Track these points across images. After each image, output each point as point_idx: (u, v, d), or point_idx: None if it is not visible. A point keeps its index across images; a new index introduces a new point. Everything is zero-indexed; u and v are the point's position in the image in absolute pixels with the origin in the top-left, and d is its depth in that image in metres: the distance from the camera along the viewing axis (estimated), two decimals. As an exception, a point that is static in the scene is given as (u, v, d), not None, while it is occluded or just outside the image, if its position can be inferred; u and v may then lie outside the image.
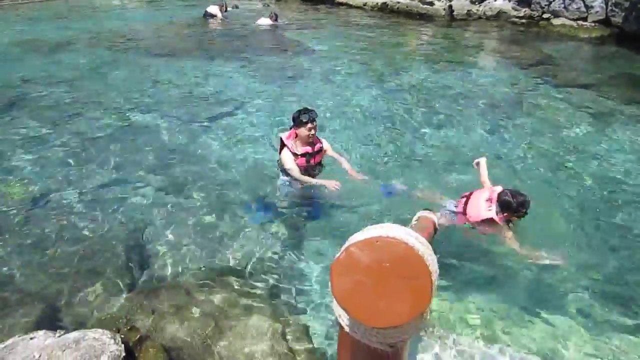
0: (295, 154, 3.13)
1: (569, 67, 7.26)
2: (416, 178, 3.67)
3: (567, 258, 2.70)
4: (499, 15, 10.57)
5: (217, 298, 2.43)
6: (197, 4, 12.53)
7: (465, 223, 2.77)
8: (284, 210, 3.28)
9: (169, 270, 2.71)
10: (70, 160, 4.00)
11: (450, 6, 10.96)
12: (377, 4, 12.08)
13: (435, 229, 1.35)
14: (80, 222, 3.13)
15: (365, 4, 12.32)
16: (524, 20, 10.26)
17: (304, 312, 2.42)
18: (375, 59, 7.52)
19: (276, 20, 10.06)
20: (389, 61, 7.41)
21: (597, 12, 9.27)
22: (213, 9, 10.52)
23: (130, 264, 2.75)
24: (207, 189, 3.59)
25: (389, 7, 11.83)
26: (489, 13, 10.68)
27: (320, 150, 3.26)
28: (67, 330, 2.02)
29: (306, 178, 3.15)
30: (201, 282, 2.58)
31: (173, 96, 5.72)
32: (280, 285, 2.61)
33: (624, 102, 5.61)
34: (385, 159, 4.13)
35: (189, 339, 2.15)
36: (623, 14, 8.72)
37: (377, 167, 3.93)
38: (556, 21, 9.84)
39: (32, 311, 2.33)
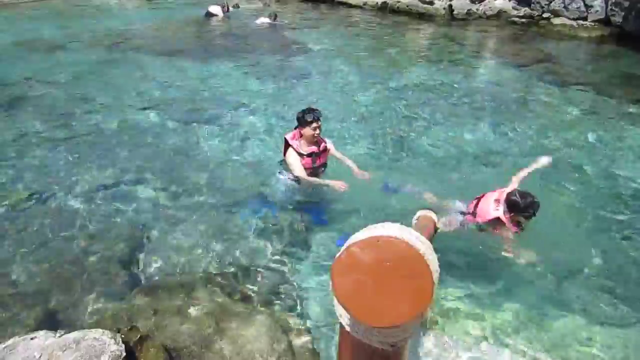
0: (301, 155, 3.12)
1: (569, 66, 7.25)
2: (416, 177, 3.66)
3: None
4: (499, 14, 10.56)
5: (217, 297, 2.43)
6: (196, 3, 12.52)
7: (473, 224, 2.76)
8: (285, 210, 3.28)
9: (169, 270, 2.71)
10: (70, 160, 4.00)
11: (450, 6, 10.95)
12: (377, 3, 12.06)
13: (436, 228, 1.35)
14: (80, 222, 3.12)
15: (365, 4, 12.30)
16: (524, 20, 10.25)
17: (305, 311, 2.42)
18: (375, 59, 7.51)
19: (275, 19, 10.05)
20: (389, 61, 7.40)
21: (597, 11, 9.27)
22: (215, 9, 10.54)
23: (130, 263, 2.75)
24: (207, 189, 3.59)
25: (389, 6, 11.82)
26: (489, 12, 10.67)
27: (325, 149, 3.25)
28: (68, 330, 2.01)
29: (313, 179, 3.13)
30: (202, 281, 2.57)
31: (172, 95, 5.71)
32: (281, 285, 2.61)
33: (623, 101, 5.60)
34: (386, 158, 4.13)
35: (189, 339, 2.15)
36: (623, 13, 8.71)
37: (377, 166, 3.92)
38: (556, 20, 9.84)
39: (32, 311, 2.33)
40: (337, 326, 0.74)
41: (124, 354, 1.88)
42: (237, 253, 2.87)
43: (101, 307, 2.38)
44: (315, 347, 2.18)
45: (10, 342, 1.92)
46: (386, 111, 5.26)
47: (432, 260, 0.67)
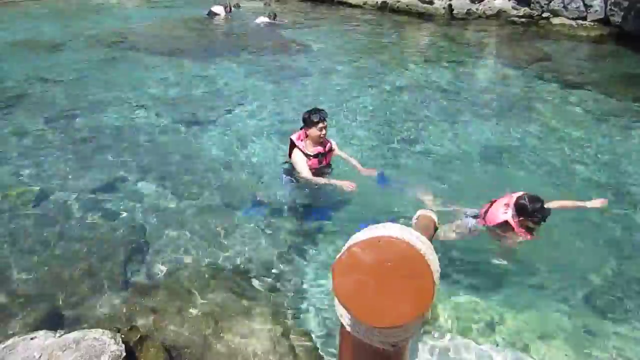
0: (308, 156, 3.11)
1: (569, 66, 7.26)
2: (416, 177, 3.67)
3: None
4: (499, 14, 10.57)
5: (217, 297, 2.43)
6: (195, 2, 12.50)
7: (483, 226, 2.74)
8: (287, 210, 3.28)
9: (169, 270, 2.71)
10: (69, 161, 3.99)
11: (450, 5, 10.95)
12: (376, 3, 12.06)
13: (435, 228, 1.35)
14: (80, 222, 3.12)
15: (365, 3, 12.30)
16: (523, 20, 10.26)
17: (306, 311, 2.42)
18: (375, 58, 7.51)
19: (275, 19, 10.05)
20: (389, 60, 7.40)
21: (596, 11, 9.27)
22: (218, 9, 10.57)
23: (130, 263, 2.75)
24: (207, 189, 3.59)
25: (388, 6, 11.82)
26: (489, 12, 10.67)
27: (331, 149, 3.26)
28: (68, 330, 2.02)
29: (320, 179, 3.13)
30: (202, 281, 2.58)
31: (173, 95, 5.71)
32: (282, 285, 2.61)
33: (622, 100, 5.61)
34: (386, 158, 4.13)
35: (189, 339, 2.15)
36: (622, 13, 8.72)
37: (377, 166, 3.92)
38: (555, 20, 9.85)
39: (32, 311, 2.33)
40: (338, 326, 0.74)
41: (124, 353, 1.88)
42: (238, 253, 2.87)
43: (101, 307, 2.38)
44: (316, 347, 2.18)
45: (10, 342, 1.92)
46: (386, 111, 5.26)
47: (433, 260, 0.67)
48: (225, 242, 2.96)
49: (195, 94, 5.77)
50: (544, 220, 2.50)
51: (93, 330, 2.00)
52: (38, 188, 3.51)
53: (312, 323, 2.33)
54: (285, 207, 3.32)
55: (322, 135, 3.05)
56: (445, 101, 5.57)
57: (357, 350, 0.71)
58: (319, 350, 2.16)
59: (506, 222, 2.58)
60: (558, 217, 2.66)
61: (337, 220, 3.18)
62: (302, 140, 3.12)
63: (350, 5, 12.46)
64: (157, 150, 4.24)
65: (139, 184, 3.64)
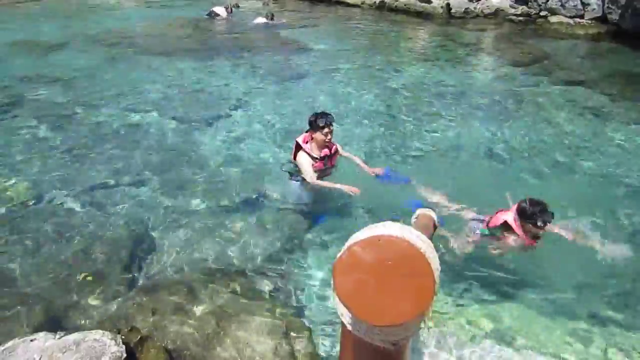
0: (314, 158, 3.12)
1: (566, 64, 7.28)
2: (415, 177, 3.67)
3: None
4: (497, 13, 10.58)
5: (218, 298, 2.43)
6: (194, 3, 12.48)
7: (486, 229, 2.74)
8: (288, 211, 3.28)
9: (169, 270, 2.71)
10: (69, 161, 3.99)
11: (448, 4, 10.96)
12: (374, 2, 12.06)
13: (435, 226, 1.36)
14: (79, 222, 3.12)
15: (363, 3, 12.30)
16: (521, 18, 10.28)
17: (307, 310, 2.43)
18: (373, 58, 7.51)
19: (272, 19, 10.04)
20: (387, 60, 7.41)
21: (593, 9, 9.30)
22: (219, 9, 10.57)
23: (130, 264, 2.75)
24: (207, 189, 3.59)
25: (386, 5, 11.82)
26: (487, 11, 10.69)
27: (336, 151, 3.27)
28: (68, 332, 2.01)
29: (324, 183, 3.13)
30: (202, 281, 2.57)
31: (171, 96, 5.70)
32: (283, 284, 2.61)
33: (620, 98, 5.63)
34: (384, 157, 4.13)
35: (190, 339, 2.15)
36: (619, 11, 8.74)
37: (375, 165, 3.92)
38: (553, 19, 9.87)
39: (32, 313, 2.32)
40: (339, 326, 0.74)
41: (125, 355, 1.88)
42: (238, 253, 2.87)
43: (101, 308, 2.38)
44: (317, 346, 2.18)
45: (9, 344, 1.91)
46: (385, 110, 5.27)
47: (433, 258, 0.68)
48: (226, 242, 2.96)
49: (194, 95, 5.76)
50: (544, 225, 2.46)
51: (93, 331, 2.00)
52: (37, 189, 3.51)
53: (315, 323, 2.33)
54: (287, 207, 3.31)
55: (327, 140, 3.06)
56: (443, 100, 5.58)
57: (358, 349, 0.71)
58: (321, 351, 2.16)
59: (506, 223, 2.58)
60: (556, 214, 2.65)
61: (340, 220, 3.18)
62: (307, 143, 3.12)
63: (348, 5, 12.46)
64: (157, 151, 4.23)
65: (139, 185, 3.63)
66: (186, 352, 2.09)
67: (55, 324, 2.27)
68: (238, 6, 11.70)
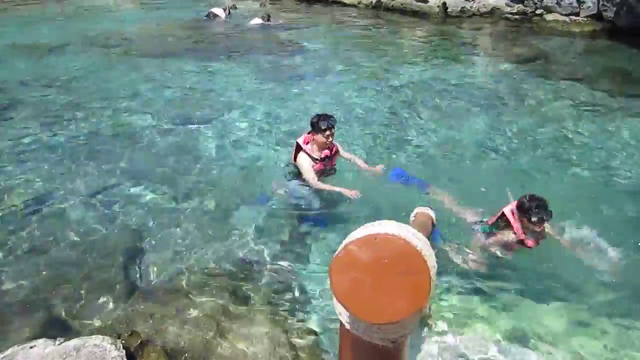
0: (314, 159, 3.12)
1: (562, 61, 7.31)
2: (412, 174, 3.68)
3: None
4: (493, 11, 10.62)
5: (217, 300, 2.42)
6: (190, 5, 12.49)
7: (487, 226, 2.74)
8: (287, 212, 3.27)
9: (168, 274, 2.70)
10: (66, 165, 3.98)
11: (444, 3, 10.99)
12: (371, 2, 12.09)
13: (433, 225, 1.36)
14: (77, 227, 3.11)
15: (359, 2, 12.33)
16: (517, 16, 10.32)
17: (307, 312, 2.42)
18: (370, 57, 7.53)
19: (269, 20, 10.06)
20: (384, 59, 7.42)
21: (589, 7, 9.34)
22: (218, 11, 10.61)
23: (129, 268, 2.74)
24: (205, 191, 3.58)
25: (383, 5, 11.85)
26: (483, 10, 10.72)
27: (337, 152, 3.27)
28: (67, 338, 2.01)
29: (324, 185, 3.13)
30: (201, 284, 2.57)
31: (168, 97, 5.70)
32: (282, 286, 2.61)
33: (615, 94, 5.65)
34: (382, 157, 4.13)
35: (190, 342, 2.14)
36: (614, 8, 8.79)
37: (375, 163, 3.92)
38: (549, 17, 9.91)
39: (31, 319, 2.31)
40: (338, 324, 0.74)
41: (125, 359, 1.88)
42: (237, 255, 2.87)
43: (101, 313, 2.37)
44: (317, 348, 2.18)
45: (9, 351, 1.90)
46: (383, 109, 5.27)
47: (430, 256, 0.68)
48: (224, 245, 2.96)
49: (192, 96, 5.76)
50: (540, 221, 2.45)
51: (93, 336, 1.99)
52: (34, 193, 3.50)
53: (314, 324, 2.33)
54: (287, 209, 3.31)
55: (328, 142, 3.07)
56: (441, 99, 5.59)
57: (356, 347, 0.71)
58: (321, 352, 2.16)
59: (504, 216, 2.58)
60: (553, 205, 2.64)
61: (340, 222, 3.17)
62: (308, 144, 3.12)
63: (345, 5, 12.49)
64: (155, 153, 4.22)
65: (137, 188, 3.63)
66: (187, 355, 2.08)
67: (54, 330, 2.25)
68: (235, 7, 11.72)
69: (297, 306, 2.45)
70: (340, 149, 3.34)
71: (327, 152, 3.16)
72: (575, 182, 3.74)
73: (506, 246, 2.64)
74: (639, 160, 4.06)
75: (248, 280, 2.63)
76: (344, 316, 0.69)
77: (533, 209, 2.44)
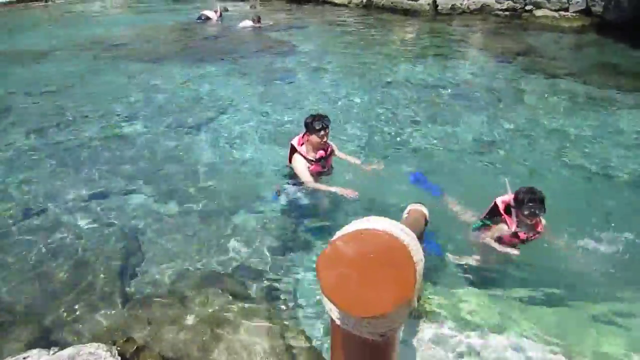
0: (310, 161, 3.11)
1: (552, 56, 7.39)
2: (409, 173, 3.69)
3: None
4: (483, 8, 10.72)
5: (213, 304, 2.41)
6: (179, 8, 12.45)
7: (480, 220, 2.74)
8: (283, 214, 3.26)
9: (163, 279, 2.68)
10: (58, 172, 3.94)
11: (435, 1, 11.07)
12: (361, 1, 12.14)
13: (427, 221, 1.37)
14: (70, 235, 3.08)
15: (349, 2, 12.37)
16: (507, 13, 10.42)
17: (303, 312, 2.41)
18: (361, 56, 7.55)
19: (259, 22, 10.05)
20: (376, 58, 7.45)
21: (577, 2, 9.46)
22: (210, 13, 10.60)
23: (123, 274, 2.72)
24: (199, 195, 3.56)
25: (373, 4, 11.91)
26: (473, 7, 10.81)
27: (332, 152, 3.26)
28: (62, 347, 1.98)
29: (321, 186, 3.12)
30: (197, 288, 2.55)
31: (159, 102, 5.67)
32: (277, 287, 2.60)
33: (605, 88, 5.73)
34: (377, 156, 4.14)
35: (187, 347, 2.13)
36: (603, 3, 8.91)
37: (370, 161, 3.93)
38: (538, 12, 10.02)
39: (24, 329, 2.28)
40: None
41: (121, 365, 1.86)
42: (233, 259, 2.86)
43: (96, 321, 2.35)
44: (314, 347, 2.17)
45: (2, 361, 1.88)
46: (375, 108, 5.29)
47: (416, 250, 0.68)
48: (219, 249, 2.94)
49: (184, 100, 5.73)
50: (533, 214, 2.44)
51: (88, 344, 1.97)
52: (25, 201, 3.46)
53: (310, 326, 2.32)
54: (283, 211, 3.30)
55: (322, 143, 3.05)
56: (432, 96, 5.62)
57: (347, 342, 0.71)
58: (317, 349, 2.16)
59: (496, 207, 2.58)
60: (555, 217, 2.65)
61: (336, 222, 3.17)
62: (302, 145, 3.11)
63: (335, 5, 12.52)
64: (147, 158, 4.20)
65: (130, 194, 3.60)
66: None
67: (48, 339, 2.23)
68: (227, 10, 11.71)
69: (294, 311, 2.43)
70: (335, 148, 3.34)
71: (322, 152, 3.15)
72: (568, 175, 3.78)
73: (500, 240, 2.66)
74: (631, 152, 4.11)
75: (244, 285, 2.62)
76: (334, 312, 0.69)
77: (525, 201, 2.44)
